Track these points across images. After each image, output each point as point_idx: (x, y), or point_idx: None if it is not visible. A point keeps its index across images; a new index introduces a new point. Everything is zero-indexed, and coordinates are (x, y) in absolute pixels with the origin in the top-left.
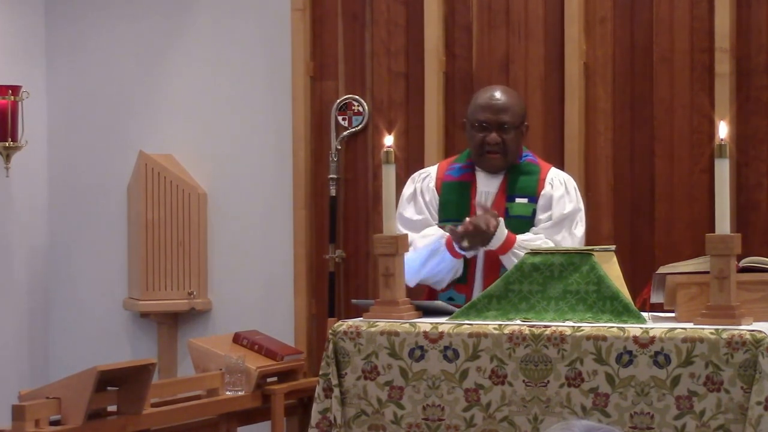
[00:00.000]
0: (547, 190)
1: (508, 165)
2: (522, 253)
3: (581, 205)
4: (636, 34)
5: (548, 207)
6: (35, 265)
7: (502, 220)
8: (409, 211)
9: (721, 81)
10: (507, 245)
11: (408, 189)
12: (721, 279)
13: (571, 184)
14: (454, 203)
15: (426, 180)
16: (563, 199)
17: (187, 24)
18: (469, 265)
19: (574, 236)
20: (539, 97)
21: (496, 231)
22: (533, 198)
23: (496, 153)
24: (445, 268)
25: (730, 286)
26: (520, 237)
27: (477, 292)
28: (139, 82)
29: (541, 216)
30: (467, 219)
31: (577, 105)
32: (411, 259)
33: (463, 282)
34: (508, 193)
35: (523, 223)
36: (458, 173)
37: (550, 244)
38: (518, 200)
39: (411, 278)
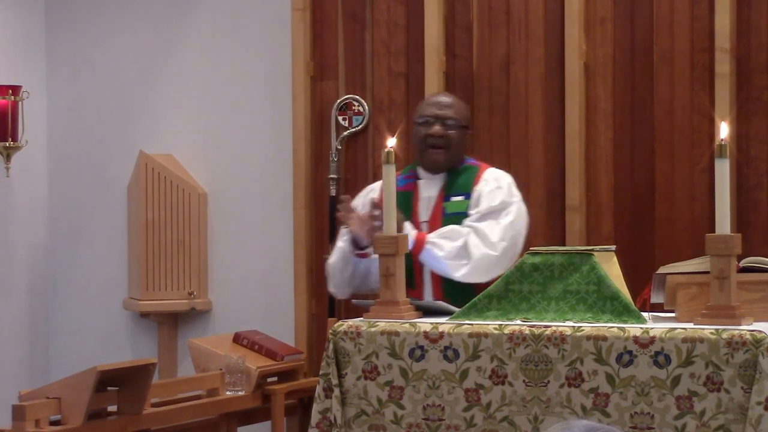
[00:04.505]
0: (480, 186)
1: (450, 164)
2: (435, 251)
3: (514, 200)
4: (636, 34)
5: (478, 202)
6: (35, 265)
7: (407, 224)
8: (344, 231)
9: (721, 81)
10: (419, 245)
11: (355, 202)
12: (721, 279)
13: (506, 180)
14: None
15: (369, 195)
16: (492, 193)
17: (187, 24)
18: (415, 269)
19: (499, 224)
20: (539, 97)
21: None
22: (468, 194)
23: (440, 147)
24: (359, 270)
25: (730, 286)
26: (431, 235)
27: (427, 294)
28: (139, 82)
29: (471, 211)
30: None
31: (578, 105)
32: (331, 274)
33: (411, 287)
34: (445, 193)
35: (459, 219)
36: (401, 183)
37: (463, 231)
38: (454, 198)
39: (340, 290)
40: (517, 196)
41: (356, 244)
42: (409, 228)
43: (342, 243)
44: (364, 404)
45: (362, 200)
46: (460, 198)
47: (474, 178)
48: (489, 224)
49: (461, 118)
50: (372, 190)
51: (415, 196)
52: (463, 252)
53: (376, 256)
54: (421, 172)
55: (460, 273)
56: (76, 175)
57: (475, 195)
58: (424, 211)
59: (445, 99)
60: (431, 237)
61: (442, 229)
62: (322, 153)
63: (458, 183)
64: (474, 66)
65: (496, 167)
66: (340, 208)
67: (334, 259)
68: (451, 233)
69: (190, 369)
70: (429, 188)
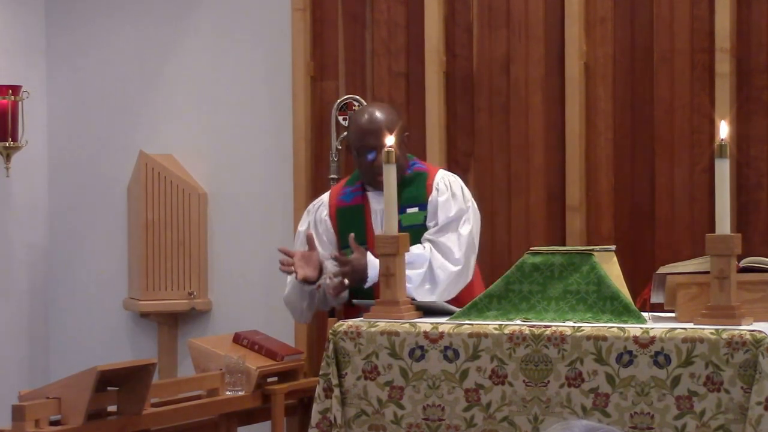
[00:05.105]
0: (433, 195)
1: (398, 179)
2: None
3: (469, 204)
4: (636, 34)
5: (435, 213)
6: (35, 265)
7: (369, 254)
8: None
9: (721, 81)
10: None
11: (302, 225)
12: (721, 279)
13: (457, 184)
14: (351, 230)
15: (319, 210)
16: (448, 203)
17: (187, 24)
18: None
19: (461, 236)
20: (539, 97)
21: (367, 269)
22: (423, 205)
23: None
24: (317, 297)
25: (730, 286)
26: None
27: None
28: (140, 82)
29: (430, 223)
30: (330, 273)
31: (578, 105)
32: (288, 305)
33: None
34: (399, 204)
35: (416, 231)
36: (350, 198)
37: (424, 249)
38: (409, 210)
39: (302, 318)
40: (469, 199)
41: (306, 281)
42: (371, 258)
43: (292, 279)
44: (364, 404)
45: (313, 217)
46: (414, 210)
47: (425, 186)
48: (450, 237)
49: (397, 136)
50: (321, 205)
51: (367, 209)
52: (429, 276)
53: (329, 280)
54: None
55: (429, 299)
56: (76, 175)
57: (430, 207)
58: (378, 225)
59: (375, 123)
60: None
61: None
62: (322, 153)
63: (410, 193)
64: (474, 66)
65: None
66: (281, 261)
67: (288, 292)
68: (413, 258)
69: (190, 369)
70: (380, 200)
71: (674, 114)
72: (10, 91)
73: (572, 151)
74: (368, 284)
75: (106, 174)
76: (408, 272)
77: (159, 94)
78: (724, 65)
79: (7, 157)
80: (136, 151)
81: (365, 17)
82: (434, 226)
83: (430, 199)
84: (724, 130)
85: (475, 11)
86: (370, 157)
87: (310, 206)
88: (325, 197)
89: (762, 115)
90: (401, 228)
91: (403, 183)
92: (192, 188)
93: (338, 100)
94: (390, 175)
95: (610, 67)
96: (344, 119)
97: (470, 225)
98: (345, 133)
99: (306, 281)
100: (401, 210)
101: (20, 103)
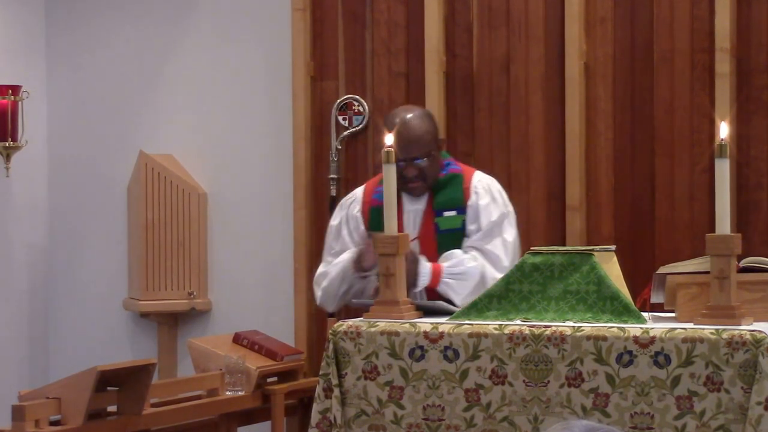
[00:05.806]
0: (473, 200)
1: (430, 186)
2: (451, 281)
3: (509, 208)
4: (636, 34)
5: (476, 217)
6: (35, 265)
7: (423, 258)
8: (333, 244)
9: (721, 81)
10: (435, 277)
11: (335, 220)
12: (721, 279)
13: (496, 187)
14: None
15: (352, 206)
16: (489, 207)
17: (187, 24)
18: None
19: (506, 241)
20: (539, 97)
21: (417, 273)
22: (461, 209)
23: (417, 182)
24: (355, 288)
25: (730, 286)
26: (446, 265)
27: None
28: (139, 82)
29: (471, 227)
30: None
31: (578, 105)
32: (326, 287)
33: None
34: (435, 208)
35: (455, 235)
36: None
37: (477, 262)
38: (446, 214)
39: (330, 303)
40: (508, 202)
41: (359, 267)
42: (424, 265)
43: (343, 261)
44: (364, 404)
45: (346, 212)
46: (452, 213)
47: (462, 189)
48: (496, 244)
49: (427, 146)
50: (354, 200)
51: (399, 209)
52: (479, 289)
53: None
54: None
55: None
56: (76, 175)
57: (470, 211)
58: (411, 226)
59: (406, 134)
60: (445, 276)
61: (454, 267)
62: (322, 153)
63: (447, 197)
64: (474, 66)
65: (485, 170)
66: (365, 258)
67: (333, 274)
68: (465, 269)
69: (190, 369)
70: (413, 201)
71: (674, 114)
72: (10, 91)
73: (572, 151)
74: (418, 289)
75: (106, 174)
76: (456, 282)
77: (159, 94)
78: (724, 65)
79: (7, 157)
80: (136, 151)
81: (365, 17)
82: (476, 231)
83: (469, 203)
84: (724, 130)
85: (475, 11)
86: (401, 165)
87: (343, 201)
88: (359, 193)
89: (762, 115)
90: (439, 231)
91: (438, 185)
92: (192, 188)
93: (338, 100)
94: (390, 176)
95: (610, 67)
96: (344, 119)
97: (513, 229)
98: (345, 132)
99: (366, 269)
100: (438, 213)
101: (20, 103)
